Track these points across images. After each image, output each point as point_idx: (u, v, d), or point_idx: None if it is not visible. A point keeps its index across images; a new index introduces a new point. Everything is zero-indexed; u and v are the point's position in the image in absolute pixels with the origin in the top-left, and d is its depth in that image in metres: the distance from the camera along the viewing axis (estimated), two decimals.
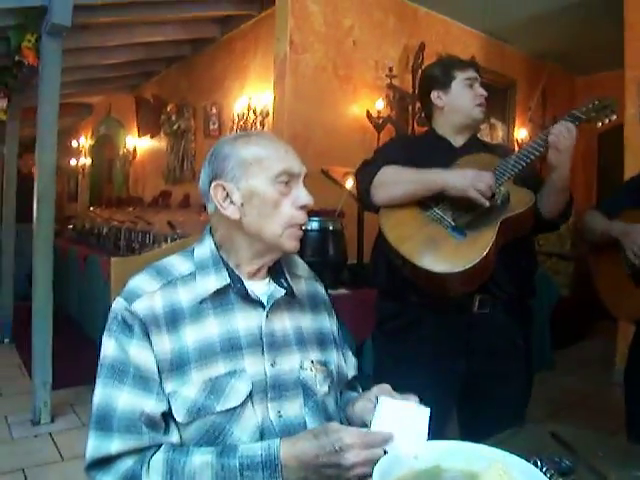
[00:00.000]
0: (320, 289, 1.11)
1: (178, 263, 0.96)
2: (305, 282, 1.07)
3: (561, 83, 5.61)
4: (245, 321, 0.93)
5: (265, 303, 0.95)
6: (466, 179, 1.37)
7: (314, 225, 2.56)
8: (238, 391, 0.88)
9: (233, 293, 0.94)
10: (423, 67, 1.83)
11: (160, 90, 5.97)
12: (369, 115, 3.76)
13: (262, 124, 4.21)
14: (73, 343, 3.81)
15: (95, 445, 0.84)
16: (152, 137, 6.18)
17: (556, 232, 4.57)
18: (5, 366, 3.74)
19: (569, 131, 1.36)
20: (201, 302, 0.91)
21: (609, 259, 1.63)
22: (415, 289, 1.44)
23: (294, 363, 0.95)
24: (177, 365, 0.87)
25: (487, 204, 1.36)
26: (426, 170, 1.45)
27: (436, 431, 1.49)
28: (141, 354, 0.86)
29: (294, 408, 0.93)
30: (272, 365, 0.92)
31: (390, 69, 3.91)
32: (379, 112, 3.77)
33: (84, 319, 4.36)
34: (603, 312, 1.73)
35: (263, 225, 0.94)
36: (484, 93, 1.57)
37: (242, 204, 0.93)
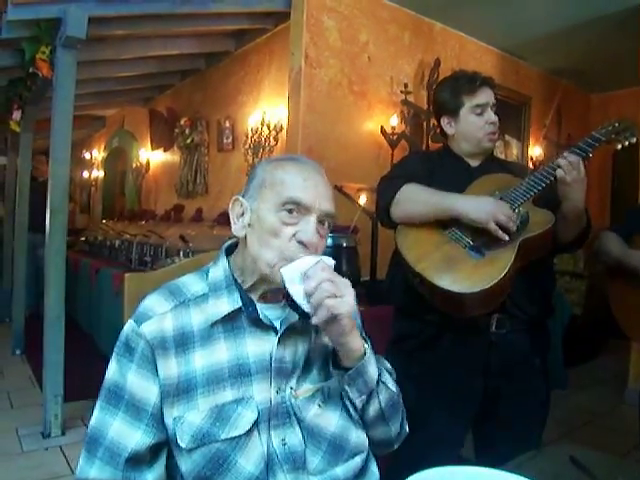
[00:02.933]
0: None
1: (192, 283, 0.95)
2: None
3: (576, 100, 5.58)
4: (256, 346, 0.91)
5: (278, 328, 0.92)
6: (486, 212, 1.34)
7: (328, 242, 2.53)
8: (244, 419, 0.86)
9: (244, 317, 0.92)
10: (436, 85, 1.80)
11: (174, 103, 6.01)
12: (383, 131, 3.74)
13: (276, 139, 4.21)
14: (84, 355, 3.78)
15: (81, 465, 0.85)
16: (165, 150, 6.20)
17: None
18: (16, 378, 3.74)
19: (571, 164, 1.32)
20: (212, 325, 0.90)
21: (625, 281, 1.60)
22: (432, 308, 1.42)
23: (289, 390, 0.93)
24: (184, 390, 0.86)
25: (507, 238, 1.33)
26: (446, 195, 1.42)
27: (451, 452, 1.48)
28: (139, 381, 0.86)
29: (295, 434, 0.91)
30: (277, 392, 0.90)
31: (405, 85, 3.90)
32: (393, 128, 3.75)
33: (95, 332, 4.33)
34: (616, 331, 1.72)
35: (260, 252, 0.91)
36: (494, 120, 1.54)
37: (249, 224, 0.93)
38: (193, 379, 0.86)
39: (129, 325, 0.89)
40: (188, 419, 0.85)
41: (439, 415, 1.45)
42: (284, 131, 3.97)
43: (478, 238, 1.38)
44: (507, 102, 4.87)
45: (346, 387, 0.93)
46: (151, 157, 6.62)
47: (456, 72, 1.66)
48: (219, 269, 0.96)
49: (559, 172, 1.33)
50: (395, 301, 1.63)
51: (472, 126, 1.54)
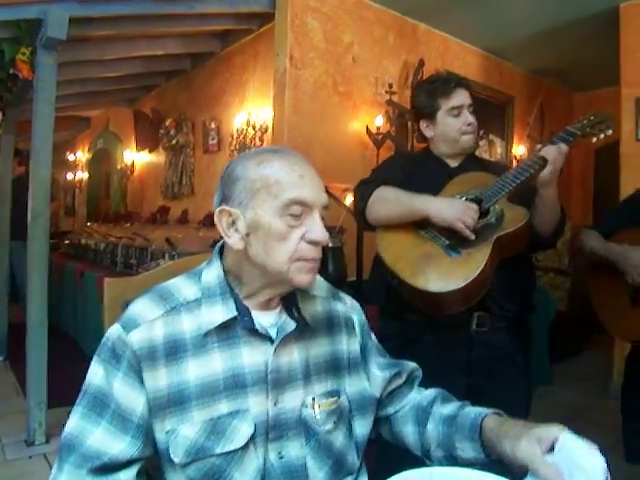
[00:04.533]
0: (340, 307, 1.02)
1: (184, 287, 0.89)
2: (322, 302, 0.99)
3: (559, 99, 5.64)
4: (251, 356, 0.86)
5: (274, 337, 0.88)
6: (453, 212, 1.37)
7: None
8: (240, 433, 0.82)
9: (240, 326, 0.87)
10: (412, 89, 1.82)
11: (159, 104, 5.97)
12: (369, 131, 3.75)
13: (261, 140, 4.20)
14: (69, 361, 3.71)
15: (53, 472, 0.79)
16: (150, 152, 6.16)
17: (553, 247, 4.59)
18: None
19: (561, 152, 1.36)
20: (205, 334, 0.84)
21: (607, 278, 1.63)
22: (413, 307, 1.44)
23: (297, 401, 0.89)
24: (176, 402, 0.81)
25: (473, 237, 1.36)
26: (415, 196, 1.45)
27: None
28: (125, 390, 0.80)
29: (295, 448, 0.87)
30: (274, 404, 0.86)
31: (390, 85, 3.91)
32: (378, 128, 3.76)
33: (80, 336, 4.30)
34: (600, 326, 1.73)
35: (267, 258, 0.84)
36: (472, 121, 1.57)
37: (247, 234, 0.85)
38: (186, 390, 0.82)
39: (116, 330, 0.83)
40: (182, 433, 0.80)
41: None
42: (270, 132, 3.97)
43: (454, 237, 1.40)
44: (491, 102, 4.91)
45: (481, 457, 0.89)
46: (136, 158, 6.56)
47: (431, 75, 1.68)
48: (212, 273, 0.90)
49: (551, 159, 1.34)
50: (377, 301, 1.64)
51: (450, 128, 1.57)
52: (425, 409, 1.01)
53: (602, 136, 1.43)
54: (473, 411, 0.96)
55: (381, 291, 1.56)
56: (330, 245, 2.60)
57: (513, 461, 0.81)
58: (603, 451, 0.70)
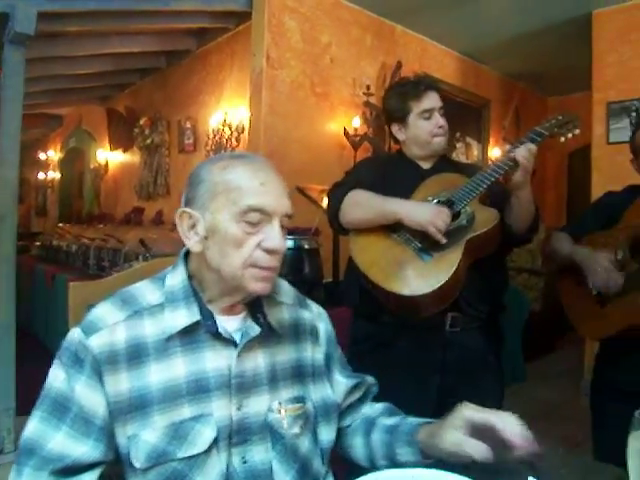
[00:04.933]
0: (306, 315, 1.02)
1: (147, 291, 0.88)
2: (288, 310, 0.98)
3: (534, 103, 5.73)
4: (215, 361, 0.85)
5: (238, 341, 0.87)
6: (425, 216, 1.38)
7: (289, 244, 2.53)
8: (203, 437, 0.81)
9: (203, 330, 0.86)
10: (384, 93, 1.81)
11: (133, 102, 5.87)
12: (346, 132, 3.74)
13: (238, 140, 4.16)
14: (39, 365, 3.60)
15: (11, 477, 0.78)
16: (125, 151, 6.06)
17: (527, 248, 4.69)
18: None
19: (530, 153, 1.37)
20: (168, 339, 0.83)
21: (575, 280, 1.64)
22: (387, 310, 1.45)
23: (262, 405, 0.88)
24: (137, 406, 0.80)
25: (444, 241, 1.36)
26: (388, 200, 1.46)
27: None
28: (87, 393, 0.79)
29: (260, 453, 0.86)
30: (238, 409, 0.85)
31: (367, 87, 3.91)
32: (356, 129, 3.76)
33: (51, 340, 4.18)
34: (572, 325, 1.74)
35: (222, 263, 0.84)
36: (443, 123, 1.58)
37: (205, 237, 0.85)
38: (148, 395, 0.81)
39: (76, 334, 0.83)
40: (143, 437, 0.79)
41: None
42: (246, 132, 3.93)
43: (427, 240, 1.40)
44: (467, 104, 4.96)
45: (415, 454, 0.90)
46: (110, 158, 6.45)
47: (402, 78, 1.68)
48: (177, 277, 0.89)
49: (523, 162, 1.35)
50: (351, 303, 1.64)
51: (421, 131, 1.57)
52: (372, 420, 1.02)
53: (570, 136, 1.44)
54: (415, 420, 0.97)
55: (355, 293, 1.56)
56: (306, 246, 2.58)
57: (446, 455, 0.84)
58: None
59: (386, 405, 1.07)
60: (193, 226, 0.86)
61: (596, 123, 3.92)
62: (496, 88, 5.32)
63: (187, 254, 0.92)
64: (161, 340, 0.83)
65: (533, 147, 1.38)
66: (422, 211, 1.40)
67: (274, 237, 0.84)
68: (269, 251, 0.84)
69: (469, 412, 0.84)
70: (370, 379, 1.10)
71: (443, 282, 1.33)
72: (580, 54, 4.07)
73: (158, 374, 0.82)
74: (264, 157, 0.92)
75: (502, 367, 1.61)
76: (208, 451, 0.81)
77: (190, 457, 0.80)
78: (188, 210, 0.86)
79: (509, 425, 0.80)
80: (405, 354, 1.49)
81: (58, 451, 0.77)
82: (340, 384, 1.03)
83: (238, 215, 0.82)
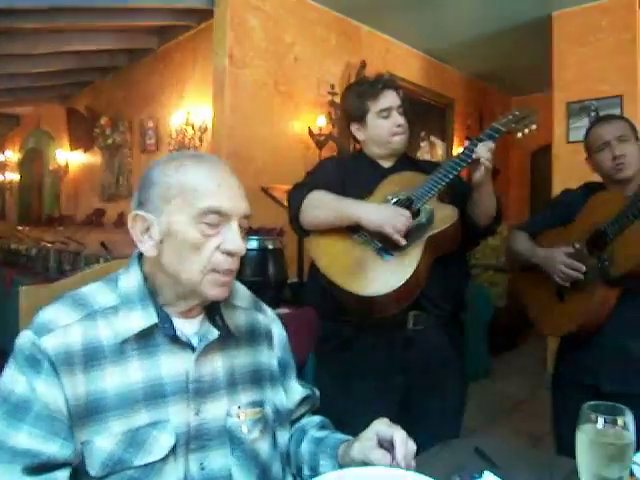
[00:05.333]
0: (261, 319, 1.01)
1: (100, 293, 0.85)
2: (244, 313, 0.97)
3: (497, 103, 5.83)
4: (172, 365, 0.83)
5: (196, 345, 0.85)
6: (383, 217, 1.37)
7: (253, 244, 2.52)
8: (160, 444, 0.79)
9: (160, 334, 0.83)
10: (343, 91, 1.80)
11: (94, 101, 5.73)
12: (311, 132, 3.73)
13: (201, 140, 4.09)
14: None
15: None
16: (85, 151, 5.91)
17: (491, 245, 4.73)
18: None
19: (490, 150, 1.38)
20: (124, 342, 0.81)
21: (534, 277, 1.68)
22: (349, 310, 1.45)
23: (221, 410, 0.86)
24: (93, 411, 0.77)
25: (403, 242, 1.36)
26: (347, 201, 1.45)
27: None
28: (50, 391, 0.75)
29: (219, 458, 0.84)
30: (196, 414, 0.83)
31: (332, 86, 3.91)
32: (321, 129, 3.75)
33: (10, 347, 4.03)
34: (533, 325, 1.77)
35: (180, 269, 0.82)
36: (401, 122, 1.57)
37: (161, 241, 0.82)
38: (103, 399, 0.78)
39: (27, 337, 0.78)
40: (98, 444, 0.76)
41: (361, 413, 1.45)
42: (209, 132, 3.87)
43: (387, 239, 1.39)
44: (432, 104, 5.01)
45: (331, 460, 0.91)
46: (70, 158, 6.28)
47: (360, 78, 1.67)
48: (131, 279, 0.86)
49: (483, 161, 1.36)
50: (314, 304, 1.63)
51: (380, 130, 1.56)
52: (304, 430, 1.02)
53: (527, 131, 1.45)
54: (341, 436, 0.98)
55: (318, 294, 1.55)
56: (270, 247, 2.55)
57: (355, 463, 0.85)
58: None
59: (322, 419, 1.07)
60: (147, 229, 0.83)
61: (556, 122, 4.01)
62: (460, 88, 5.39)
63: (141, 255, 0.89)
64: (117, 343, 0.81)
65: (491, 144, 1.39)
66: (380, 213, 1.40)
67: (234, 239, 0.82)
68: (229, 253, 0.82)
69: (379, 427, 0.87)
70: (317, 393, 1.09)
71: (404, 281, 1.33)
72: (541, 55, 4.15)
73: (114, 378, 0.79)
74: (219, 157, 0.90)
75: (464, 365, 1.62)
76: (165, 458, 0.79)
77: (147, 465, 0.78)
78: (141, 213, 0.83)
79: (399, 440, 0.84)
80: (368, 353, 1.49)
81: (24, 448, 0.73)
82: (295, 392, 1.02)
83: (196, 217, 0.80)
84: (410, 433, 1.51)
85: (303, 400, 1.04)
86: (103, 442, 0.77)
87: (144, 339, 0.82)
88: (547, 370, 3.75)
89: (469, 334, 1.75)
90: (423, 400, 1.51)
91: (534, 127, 1.45)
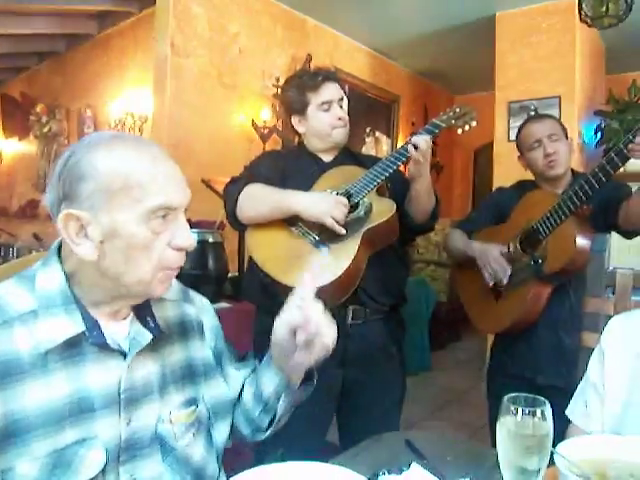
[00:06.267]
0: (191, 310, 0.94)
1: (14, 295, 0.74)
2: (172, 306, 0.90)
3: (441, 100, 5.94)
4: (101, 375, 0.76)
5: (127, 351, 0.78)
6: (322, 207, 1.37)
7: (193, 237, 2.45)
8: (89, 463, 0.72)
9: (88, 342, 0.75)
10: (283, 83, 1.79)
11: (29, 88, 5.47)
12: (254, 125, 3.69)
13: (141, 129, 3.98)
14: None
15: None
16: (20, 140, 5.66)
17: (434, 241, 4.82)
18: None
19: (428, 144, 1.39)
20: (47, 353, 0.72)
21: (471, 275, 1.70)
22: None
23: (152, 416, 0.81)
24: (12, 434, 0.69)
25: (343, 232, 1.36)
26: (284, 193, 1.44)
27: (318, 436, 1.50)
28: None
29: (150, 467, 0.79)
30: (127, 424, 0.77)
31: (277, 79, 3.87)
32: (265, 122, 3.71)
33: None
34: (471, 321, 1.80)
35: (127, 270, 0.74)
36: (342, 115, 1.56)
37: (102, 241, 0.73)
38: (24, 419, 0.69)
39: None
40: (20, 471, 0.68)
41: (302, 408, 1.45)
42: (149, 122, 3.76)
43: (324, 232, 1.39)
44: (378, 100, 5.05)
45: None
46: (4, 147, 6.01)
47: (300, 70, 1.65)
48: (51, 279, 0.76)
49: (416, 155, 1.38)
50: (251, 299, 1.62)
51: (321, 123, 1.55)
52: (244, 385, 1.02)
53: (467, 128, 1.48)
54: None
55: (254, 287, 1.53)
56: (210, 240, 2.51)
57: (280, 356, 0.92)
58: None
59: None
60: (81, 229, 0.73)
61: (498, 121, 4.11)
62: (406, 85, 5.46)
63: (60, 249, 0.79)
64: (38, 355, 0.71)
65: (428, 138, 1.40)
66: (319, 203, 1.39)
67: (184, 234, 0.77)
68: (180, 249, 0.77)
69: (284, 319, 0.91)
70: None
71: (340, 273, 1.32)
72: (484, 54, 4.23)
73: (36, 394, 0.70)
74: (150, 140, 0.82)
75: (404, 358, 1.64)
76: (95, 477, 0.73)
77: None
78: (75, 212, 0.72)
79: (315, 313, 0.86)
80: None
81: None
82: (236, 378, 0.98)
83: (146, 215, 0.73)
84: (350, 425, 1.53)
85: (246, 380, 1.00)
86: (26, 467, 0.69)
87: (69, 348, 0.74)
88: (485, 363, 3.88)
89: (410, 328, 1.77)
90: (362, 394, 1.52)
91: (474, 124, 1.47)
